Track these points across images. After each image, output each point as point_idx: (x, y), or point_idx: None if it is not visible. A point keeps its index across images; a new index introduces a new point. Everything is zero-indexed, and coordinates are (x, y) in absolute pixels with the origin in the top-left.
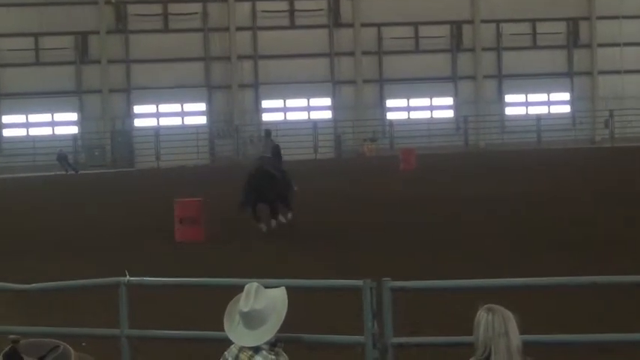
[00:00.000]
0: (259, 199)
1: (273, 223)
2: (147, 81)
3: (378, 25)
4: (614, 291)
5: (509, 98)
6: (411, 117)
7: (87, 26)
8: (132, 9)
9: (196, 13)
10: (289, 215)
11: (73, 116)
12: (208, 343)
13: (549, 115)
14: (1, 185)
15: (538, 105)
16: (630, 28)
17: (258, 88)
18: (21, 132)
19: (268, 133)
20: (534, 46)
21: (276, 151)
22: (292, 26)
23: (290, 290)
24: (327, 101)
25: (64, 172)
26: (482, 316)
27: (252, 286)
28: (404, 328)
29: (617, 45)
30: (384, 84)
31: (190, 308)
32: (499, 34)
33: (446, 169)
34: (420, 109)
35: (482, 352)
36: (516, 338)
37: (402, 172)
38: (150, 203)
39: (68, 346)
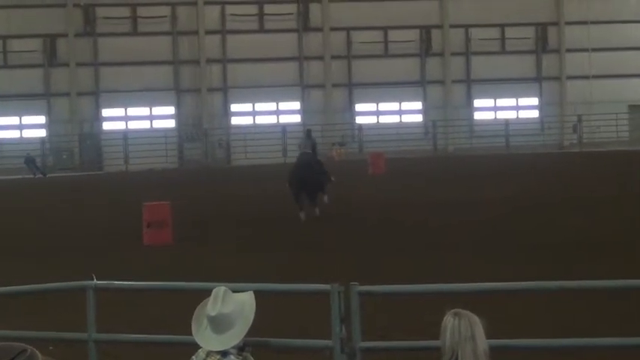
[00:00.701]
0: (303, 189)
1: (317, 211)
2: (115, 84)
3: (348, 30)
4: (582, 295)
5: (477, 103)
6: (380, 121)
7: (55, 29)
8: (100, 12)
9: (165, 16)
10: (325, 198)
11: (41, 119)
12: (177, 347)
13: (518, 120)
14: None
15: (507, 110)
16: (598, 33)
17: (227, 91)
18: None
19: (309, 132)
20: (503, 51)
21: (314, 147)
22: (261, 30)
23: (258, 294)
24: (296, 105)
25: (31, 176)
26: (448, 320)
27: (220, 290)
28: (372, 333)
29: (585, 50)
30: (353, 88)
31: (159, 312)
32: (468, 39)
33: (414, 173)
34: (389, 114)
35: (450, 357)
36: (483, 342)
37: (370, 176)
38: (118, 207)
39: (35, 350)
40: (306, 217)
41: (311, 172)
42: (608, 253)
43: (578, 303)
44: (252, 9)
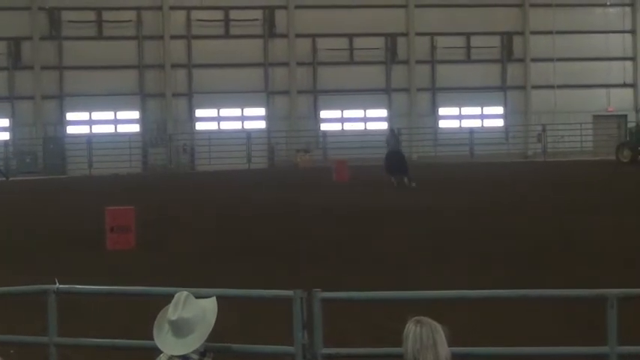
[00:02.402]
0: (395, 170)
1: (406, 180)
2: (80, 88)
3: (313, 36)
4: (544, 304)
5: (442, 111)
6: (344, 128)
7: (20, 32)
8: (66, 15)
9: (130, 20)
10: (413, 184)
11: (5, 122)
12: (139, 352)
13: (482, 129)
14: None
15: (471, 118)
16: (563, 43)
17: (192, 97)
18: None
19: (393, 130)
20: (468, 60)
21: (398, 140)
22: (227, 36)
23: (221, 299)
24: (261, 111)
25: None
26: (410, 328)
27: (181, 294)
28: (334, 340)
29: (551, 60)
30: (318, 95)
31: (121, 316)
32: (433, 47)
33: (378, 180)
34: (354, 121)
35: None
36: (444, 350)
37: (334, 183)
38: (81, 211)
39: None
40: (399, 183)
41: (400, 160)
42: (570, 262)
43: (542, 311)
44: (218, 14)
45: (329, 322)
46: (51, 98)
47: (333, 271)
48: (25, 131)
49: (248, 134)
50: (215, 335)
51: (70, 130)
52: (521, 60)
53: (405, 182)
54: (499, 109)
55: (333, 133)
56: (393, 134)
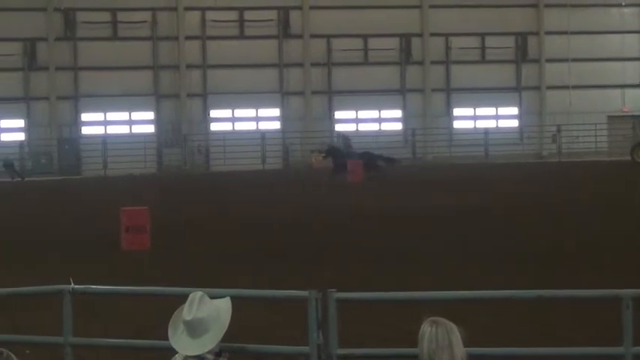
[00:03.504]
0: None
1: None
2: (95, 89)
3: (328, 37)
4: (559, 304)
5: (457, 112)
6: (359, 129)
7: (35, 33)
8: (81, 16)
9: (145, 21)
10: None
11: (20, 123)
12: (153, 352)
13: (497, 129)
14: None
15: (486, 119)
16: (578, 43)
17: (206, 97)
18: None
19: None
20: (483, 61)
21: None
22: (242, 36)
23: (235, 300)
24: (275, 112)
25: (9, 179)
26: (426, 328)
27: (196, 294)
28: (349, 340)
29: (565, 60)
30: (333, 95)
31: (135, 317)
32: (448, 48)
33: (392, 181)
34: (369, 122)
35: None
36: (460, 351)
37: (349, 184)
38: (96, 211)
39: (11, 353)
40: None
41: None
42: (581, 263)
43: (557, 312)
44: (233, 15)
45: (344, 323)
46: (66, 99)
47: (347, 272)
48: (40, 132)
49: (263, 135)
50: (229, 335)
51: (85, 130)
52: (535, 60)
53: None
54: (514, 110)
55: (348, 134)
56: (344, 140)
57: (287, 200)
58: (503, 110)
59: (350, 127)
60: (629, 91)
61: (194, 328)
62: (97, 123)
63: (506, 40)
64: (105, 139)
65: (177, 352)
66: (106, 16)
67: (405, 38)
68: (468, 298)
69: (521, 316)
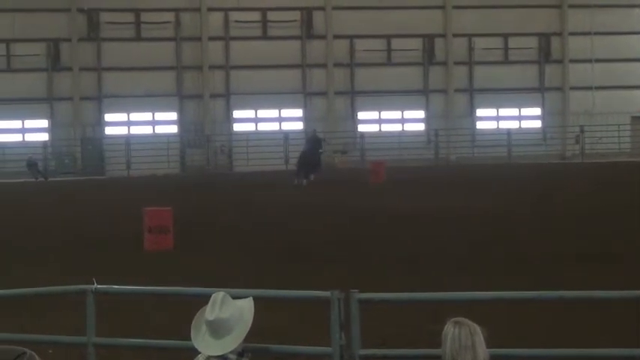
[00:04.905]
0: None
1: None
2: (118, 89)
3: (351, 37)
4: (582, 306)
5: (480, 112)
6: (382, 129)
7: (59, 33)
8: (104, 17)
9: (169, 22)
10: (304, 181)
11: (44, 123)
12: (176, 353)
13: (520, 130)
14: None
15: (509, 119)
16: (602, 44)
17: (229, 98)
18: None
19: (314, 133)
20: (506, 61)
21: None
22: (265, 37)
23: (258, 300)
24: (298, 112)
25: (33, 180)
26: (449, 329)
27: (218, 295)
28: (371, 341)
29: (589, 61)
30: (356, 96)
31: (158, 317)
32: (471, 49)
33: (415, 182)
34: (391, 122)
35: None
36: (483, 351)
37: (370, 184)
38: (119, 212)
39: (34, 353)
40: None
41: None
42: (609, 264)
43: (579, 313)
44: (256, 16)
45: (367, 323)
46: (89, 99)
47: (373, 272)
48: (63, 132)
49: (285, 135)
50: (252, 335)
51: (109, 131)
52: (559, 61)
53: (306, 181)
54: (537, 111)
55: (371, 134)
56: (312, 136)
57: (310, 201)
58: (526, 111)
59: (373, 128)
60: None
61: (217, 329)
62: (121, 123)
63: (529, 41)
64: (128, 139)
65: (199, 353)
66: (130, 17)
67: (428, 39)
68: (491, 298)
69: (544, 317)
